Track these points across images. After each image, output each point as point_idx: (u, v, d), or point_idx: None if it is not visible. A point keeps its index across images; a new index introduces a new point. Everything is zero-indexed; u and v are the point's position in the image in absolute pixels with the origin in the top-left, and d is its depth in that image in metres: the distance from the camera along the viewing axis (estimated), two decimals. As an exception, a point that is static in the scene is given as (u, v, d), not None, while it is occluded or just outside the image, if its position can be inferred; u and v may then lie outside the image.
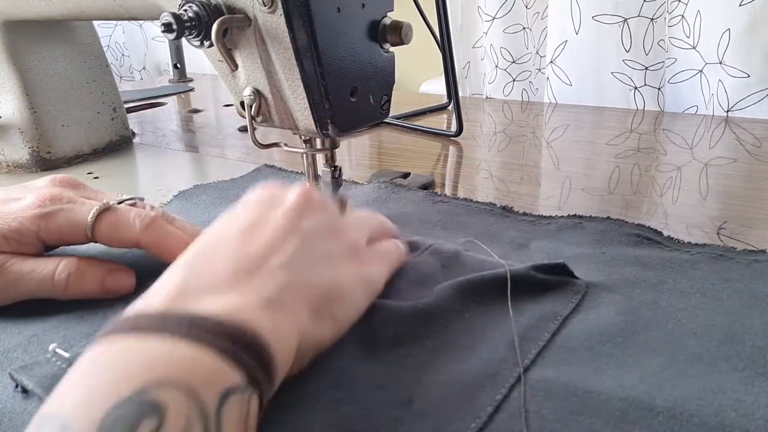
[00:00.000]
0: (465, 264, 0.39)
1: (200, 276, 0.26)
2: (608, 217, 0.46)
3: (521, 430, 0.25)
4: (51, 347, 0.30)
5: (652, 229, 0.44)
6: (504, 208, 0.50)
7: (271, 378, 0.23)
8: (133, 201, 0.39)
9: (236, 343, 0.22)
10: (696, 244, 0.42)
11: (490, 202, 0.51)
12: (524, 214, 0.49)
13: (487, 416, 0.26)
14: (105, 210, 0.36)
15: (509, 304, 0.33)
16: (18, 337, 0.33)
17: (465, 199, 0.52)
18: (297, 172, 0.61)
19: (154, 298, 0.25)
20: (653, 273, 0.38)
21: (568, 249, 0.42)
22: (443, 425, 0.25)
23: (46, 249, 0.37)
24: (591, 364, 0.29)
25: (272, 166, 0.63)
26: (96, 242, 0.37)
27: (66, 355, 0.29)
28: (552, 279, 0.36)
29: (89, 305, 0.36)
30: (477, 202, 0.51)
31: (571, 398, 0.27)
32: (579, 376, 0.28)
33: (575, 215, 0.47)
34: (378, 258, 0.33)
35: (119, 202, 0.38)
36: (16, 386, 0.29)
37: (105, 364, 0.20)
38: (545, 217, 0.48)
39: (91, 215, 0.36)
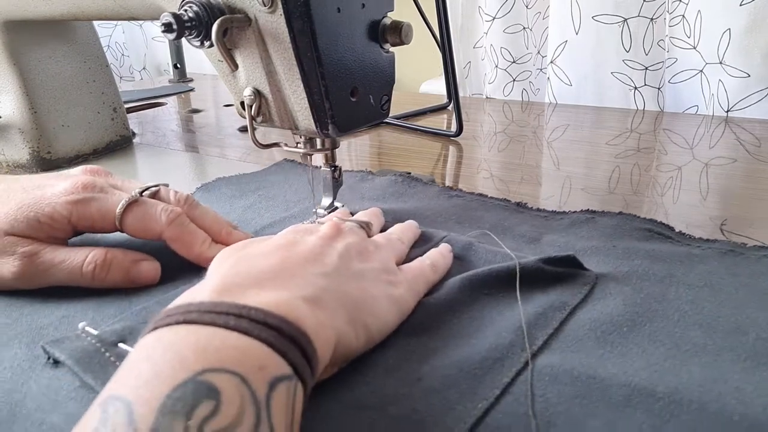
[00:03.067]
0: (477, 255, 0.40)
1: (243, 274, 0.27)
2: (620, 212, 0.47)
3: (527, 412, 0.26)
4: (81, 325, 0.32)
5: (663, 224, 0.45)
6: (518, 204, 0.51)
7: (313, 370, 0.24)
8: (157, 188, 0.41)
9: (282, 334, 0.23)
10: (706, 240, 0.43)
11: (504, 198, 0.52)
12: (537, 209, 0.49)
13: (494, 398, 0.27)
14: (133, 202, 0.38)
15: (518, 293, 0.34)
16: (50, 317, 0.34)
17: (479, 195, 0.53)
18: (316, 167, 0.60)
19: (200, 292, 0.25)
20: (662, 266, 0.38)
21: (579, 243, 0.42)
22: (451, 402, 0.26)
23: (75, 233, 0.39)
24: (596, 352, 0.30)
25: (292, 161, 0.64)
26: (123, 232, 0.38)
27: (95, 332, 0.31)
28: (561, 270, 0.37)
29: (117, 290, 0.37)
30: (491, 197, 0.52)
31: (575, 383, 0.28)
32: (584, 363, 0.29)
33: (587, 210, 0.48)
34: (407, 281, 0.34)
35: (143, 190, 0.39)
36: (48, 358, 0.30)
37: (162, 350, 0.21)
38: (558, 212, 0.48)
39: (120, 206, 0.37)
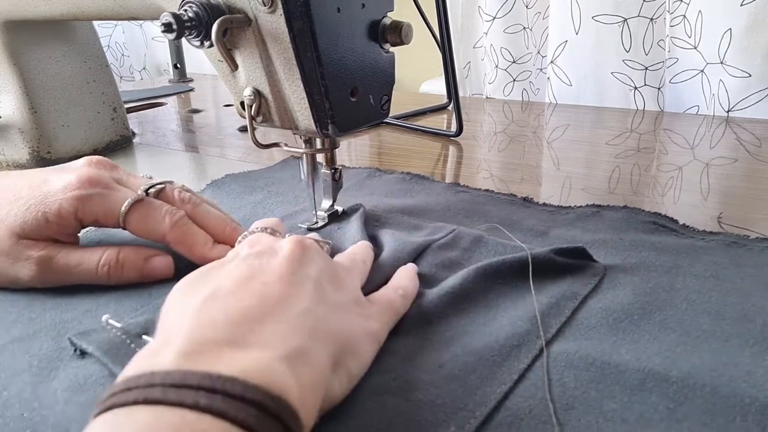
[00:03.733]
0: (487, 248, 0.41)
1: (215, 324, 0.23)
2: (625, 206, 0.48)
3: (544, 396, 0.27)
4: (104, 318, 0.32)
5: (667, 217, 0.46)
6: (524, 199, 0.52)
7: None
8: (163, 186, 0.40)
9: (265, 411, 0.20)
10: (710, 232, 0.44)
11: (511, 193, 0.53)
12: (543, 204, 0.51)
13: (512, 382, 0.28)
14: (138, 202, 0.38)
15: (531, 284, 0.35)
16: (73, 311, 0.35)
17: (486, 191, 0.54)
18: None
19: (164, 351, 0.22)
20: (669, 258, 0.39)
21: (586, 236, 0.43)
22: (472, 388, 0.27)
23: (83, 226, 0.39)
24: (609, 339, 0.31)
25: (299, 157, 0.64)
26: (126, 230, 0.38)
27: (118, 325, 0.32)
28: (571, 262, 0.38)
29: (137, 283, 0.38)
30: (498, 193, 0.53)
31: (590, 369, 0.29)
32: (598, 349, 0.30)
33: (593, 204, 0.49)
34: (378, 313, 0.31)
35: (149, 188, 0.39)
36: (75, 350, 0.31)
37: None
38: (564, 207, 0.50)
39: (125, 206, 0.37)
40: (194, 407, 0.19)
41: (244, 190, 0.56)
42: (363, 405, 0.27)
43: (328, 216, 0.47)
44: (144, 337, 0.31)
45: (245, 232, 0.38)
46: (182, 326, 0.23)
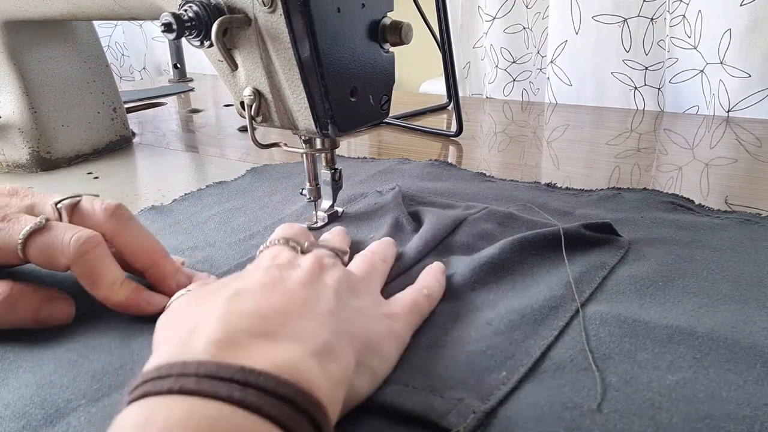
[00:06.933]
0: (519, 223, 0.44)
1: (247, 316, 0.23)
2: (644, 188, 0.52)
3: (583, 348, 0.30)
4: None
5: (684, 197, 0.49)
6: (548, 184, 0.55)
7: None
8: (77, 199, 0.35)
9: (295, 407, 0.20)
10: (725, 211, 0.47)
11: (535, 181, 0.56)
12: (567, 188, 0.54)
13: (553, 337, 0.31)
14: (38, 229, 0.32)
15: (564, 254, 0.38)
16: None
17: (511, 180, 0.57)
18: (362, 158, 0.61)
19: (195, 338, 0.22)
20: (688, 233, 0.43)
21: (609, 215, 0.46)
22: (518, 341, 0.30)
23: None
24: (637, 302, 0.34)
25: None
26: (31, 263, 0.33)
27: None
28: (599, 236, 0.41)
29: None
30: (523, 182, 0.57)
31: (622, 326, 0.32)
32: (628, 310, 0.33)
33: (613, 187, 0.53)
34: (404, 314, 0.31)
35: (59, 201, 0.34)
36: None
37: None
38: (586, 190, 0.53)
39: (21, 234, 0.31)
40: (228, 400, 0.19)
41: (283, 176, 0.59)
42: (421, 356, 0.30)
43: (328, 216, 0.47)
44: None
45: (265, 243, 0.35)
46: (211, 316, 0.23)
